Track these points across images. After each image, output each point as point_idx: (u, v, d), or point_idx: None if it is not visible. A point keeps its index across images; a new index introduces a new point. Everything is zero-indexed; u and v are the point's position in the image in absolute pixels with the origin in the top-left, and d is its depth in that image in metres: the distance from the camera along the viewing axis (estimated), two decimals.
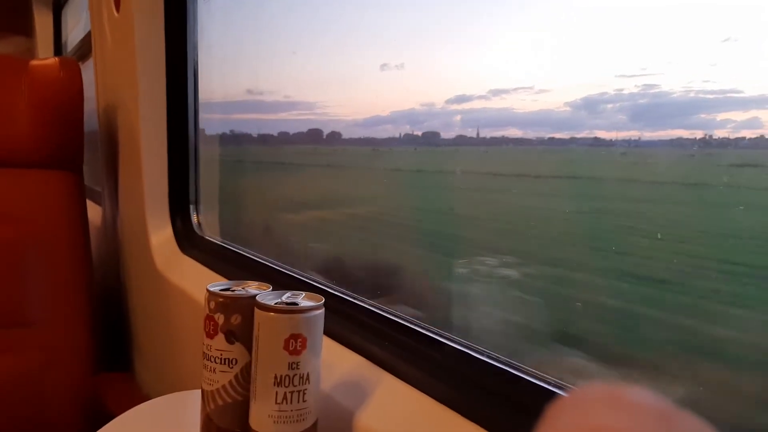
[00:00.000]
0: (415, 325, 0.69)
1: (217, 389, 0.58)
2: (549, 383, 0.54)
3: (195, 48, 1.27)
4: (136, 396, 1.30)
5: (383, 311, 0.74)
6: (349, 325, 0.75)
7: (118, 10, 1.30)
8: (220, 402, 0.58)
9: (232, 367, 0.58)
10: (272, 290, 0.59)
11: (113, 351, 1.51)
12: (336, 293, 0.83)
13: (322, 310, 0.55)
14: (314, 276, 0.93)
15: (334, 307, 0.76)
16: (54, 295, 1.27)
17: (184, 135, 1.29)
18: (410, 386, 0.61)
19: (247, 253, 1.11)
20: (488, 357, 0.60)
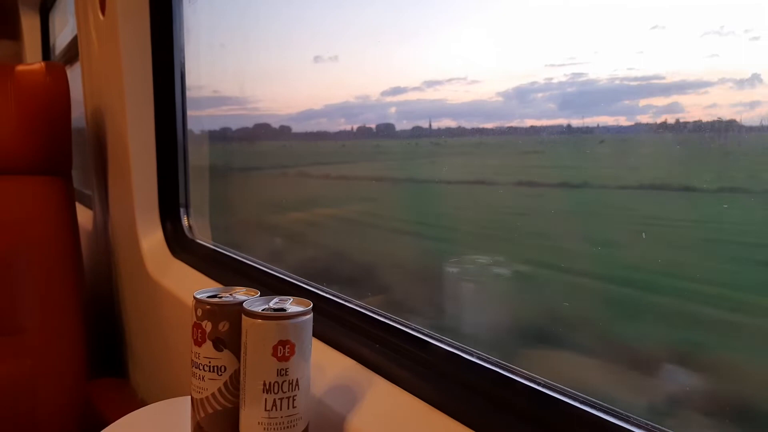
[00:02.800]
0: (406, 326, 0.69)
1: (207, 397, 0.58)
2: (540, 384, 0.54)
3: (182, 50, 1.26)
4: (130, 402, 1.29)
5: (373, 313, 0.74)
6: (339, 327, 0.74)
7: (103, 13, 1.28)
8: (209, 410, 0.58)
9: (220, 375, 0.57)
10: (260, 296, 0.59)
11: (107, 356, 1.50)
12: (326, 295, 0.82)
13: (310, 315, 0.55)
14: None
15: (324, 309, 0.76)
16: (45, 301, 1.26)
17: (172, 138, 1.28)
18: (401, 389, 0.61)
19: (239, 256, 1.10)
20: (479, 358, 0.60)
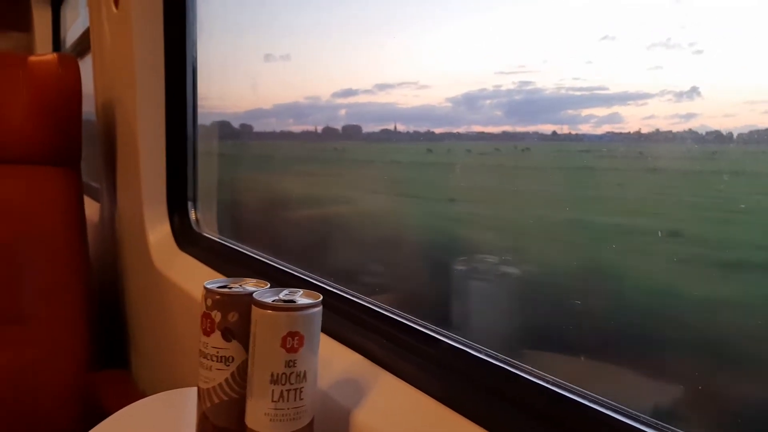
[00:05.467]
0: (413, 322, 0.69)
1: (214, 387, 0.58)
2: (546, 381, 0.54)
3: (194, 45, 1.27)
4: (132, 393, 1.29)
5: (381, 308, 0.74)
6: (347, 322, 0.74)
7: (117, 6, 1.29)
8: (216, 400, 0.58)
9: (228, 365, 0.57)
10: (270, 287, 0.59)
11: (110, 348, 1.51)
12: (334, 290, 0.82)
13: (319, 308, 0.55)
14: None
15: (332, 304, 0.76)
16: (51, 291, 1.27)
17: (182, 132, 1.29)
18: (408, 384, 0.61)
19: (245, 250, 1.11)
20: (486, 354, 0.60)
